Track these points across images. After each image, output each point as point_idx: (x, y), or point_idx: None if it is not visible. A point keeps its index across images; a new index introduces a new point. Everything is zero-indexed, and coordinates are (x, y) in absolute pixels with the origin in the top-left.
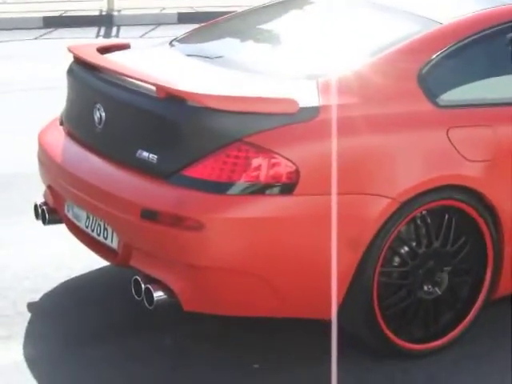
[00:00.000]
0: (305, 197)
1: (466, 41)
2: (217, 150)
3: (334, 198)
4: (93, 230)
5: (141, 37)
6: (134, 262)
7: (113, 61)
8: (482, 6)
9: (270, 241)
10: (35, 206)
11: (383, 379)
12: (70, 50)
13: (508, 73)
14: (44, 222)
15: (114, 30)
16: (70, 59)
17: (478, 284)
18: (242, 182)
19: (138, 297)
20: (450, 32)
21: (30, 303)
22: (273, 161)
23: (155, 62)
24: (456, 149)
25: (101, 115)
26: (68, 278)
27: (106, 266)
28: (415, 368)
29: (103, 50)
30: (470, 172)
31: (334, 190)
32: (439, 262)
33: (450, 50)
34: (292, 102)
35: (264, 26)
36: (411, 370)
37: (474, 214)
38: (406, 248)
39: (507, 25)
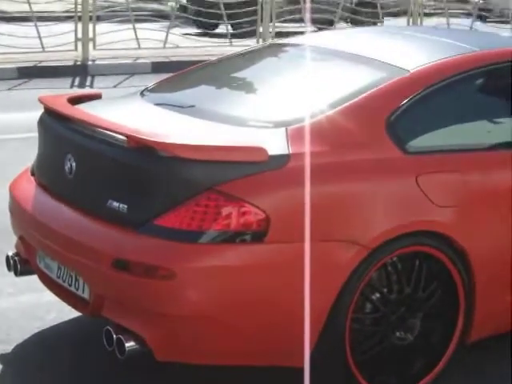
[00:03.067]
0: (276, 244)
1: (432, 88)
2: (187, 199)
3: (306, 245)
4: (64, 281)
5: (115, 86)
6: (106, 311)
7: (83, 111)
8: (447, 53)
9: (241, 289)
10: (7, 258)
11: None
12: (40, 101)
13: (474, 119)
14: (16, 273)
15: (89, 79)
16: (41, 110)
17: (450, 329)
18: (212, 231)
19: (110, 347)
20: (417, 79)
21: (1, 354)
22: (243, 209)
23: (126, 112)
24: (425, 195)
25: (71, 165)
26: (40, 329)
27: (79, 316)
28: None
29: (74, 101)
30: (439, 217)
31: (306, 237)
32: (411, 308)
33: (417, 97)
34: (261, 150)
35: (234, 75)
36: None
37: (444, 258)
38: (378, 294)
39: (472, 72)
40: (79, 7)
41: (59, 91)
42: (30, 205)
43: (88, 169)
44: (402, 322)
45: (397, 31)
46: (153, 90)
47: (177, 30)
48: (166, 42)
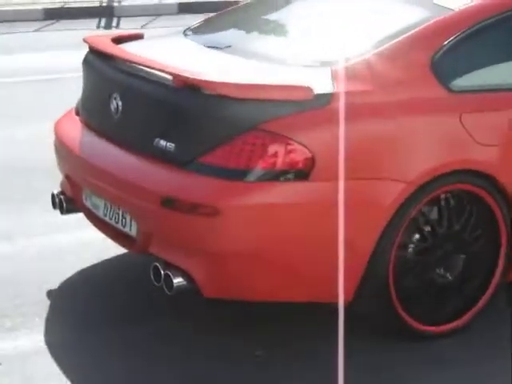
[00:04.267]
0: (320, 183)
1: (476, 27)
2: (233, 138)
3: (349, 183)
4: (111, 219)
5: (142, 27)
6: (153, 248)
7: (129, 51)
8: None
9: (286, 226)
10: (52, 196)
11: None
12: (85, 41)
13: None
14: (62, 212)
15: (115, 21)
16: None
17: (490, 270)
18: (258, 169)
19: (158, 283)
20: (461, 18)
21: (45, 290)
22: (289, 147)
23: (170, 52)
24: (469, 133)
25: (117, 105)
26: (79, 268)
27: (118, 256)
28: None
29: (118, 41)
30: (482, 156)
31: (342, 175)
32: (453, 245)
33: (461, 36)
34: (307, 89)
35: (275, 16)
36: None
37: (487, 197)
38: (421, 232)
39: None
40: None
41: (86, 33)
42: (76, 144)
43: (134, 108)
44: (444, 259)
45: None
46: (195, 30)
47: None
48: None
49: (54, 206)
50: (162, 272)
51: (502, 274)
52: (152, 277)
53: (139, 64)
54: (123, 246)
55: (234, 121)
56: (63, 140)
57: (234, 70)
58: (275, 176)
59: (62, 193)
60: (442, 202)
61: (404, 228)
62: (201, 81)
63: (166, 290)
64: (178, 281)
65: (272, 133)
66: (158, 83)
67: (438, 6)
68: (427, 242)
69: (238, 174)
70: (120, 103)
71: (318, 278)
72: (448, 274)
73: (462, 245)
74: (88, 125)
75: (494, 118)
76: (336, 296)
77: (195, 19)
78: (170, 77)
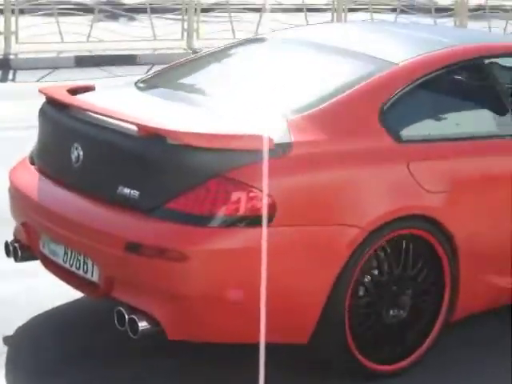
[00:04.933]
0: (281, 228)
1: (420, 80)
2: (198, 185)
3: (309, 228)
4: (71, 265)
5: (37, 80)
6: (117, 293)
7: (89, 101)
8: (430, 48)
9: (249, 270)
10: (6, 244)
11: None
12: (41, 92)
13: (461, 110)
14: (16, 259)
15: (11, 73)
16: None
17: (437, 308)
18: (222, 215)
19: (121, 327)
20: (406, 72)
21: (4, 336)
22: (251, 194)
23: (128, 103)
24: (416, 181)
25: (79, 154)
26: (41, 311)
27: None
28: None
29: (73, 92)
30: (429, 202)
31: (302, 222)
32: (402, 286)
33: (406, 88)
34: (267, 138)
35: (226, 68)
36: None
37: (433, 241)
38: (374, 274)
39: (456, 65)
40: (1, 0)
41: None
42: (34, 192)
43: (96, 157)
44: (395, 299)
45: (375, 27)
46: (147, 82)
47: (101, 24)
48: (89, 35)
49: (8, 253)
50: (127, 316)
51: (447, 312)
52: (116, 321)
53: (101, 114)
54: (84, 291)
55: (198, 169)
56: (19, 188)
57: (192, 120)
58: (238, 221)
59: (16, 240)
60: (393, 246)
61: (358, 271)
62: (167, 131)
63: (130, 333)
64: (142, 324)
65: (234, 180)
66: (121, 133)
67: (382, 60)
68: (379, 284)
69: (202, 220)
70: (81, 152)
71: (275, 320)
72: (399, 314)
73: (410, 286)
74: (45, 173)
75: (439, 166)
76: (292, 337)
77: (93, 72)
78: (133, 127)
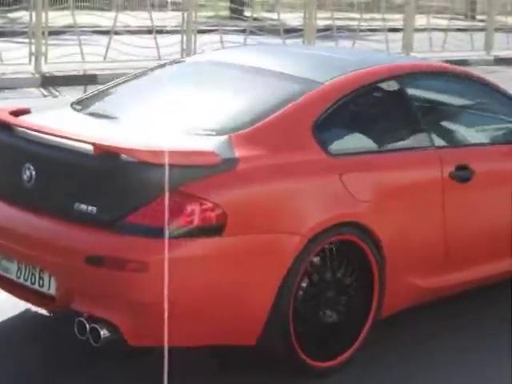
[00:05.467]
0: (232, 237)
1: (347, 97)
2: (154, 199)
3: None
4: (26, 280)
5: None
6: (76, 304)
7: (38, 123)
8: (348, 68)
9: (203, 277)
10: None
11: None
12: None
13: (383, 124)
14: None
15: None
16: None
17: (367, 306)
18: (178, 227)
19: (82, 336)
20: (334, 90)
21: None
22: (203, 207)
23: (72, 123)
24: (348, 191)
25: (31, 173)
26: None
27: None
28: None
29: (15, 114)
30: (360, 210)
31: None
32: (337, 289)
33: (333, 106)
34: (213, 154)
35: (160, 89)
36: None
37: (363, 246)
38: (314, 277)
39: (376, 84)
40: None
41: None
42: None
43: (50, 176)
44: (330, 301)
45: (285, 49)
46: (83, 103)
47: None
48: None
49: None
50: (88, 326)
51: (375, 312)
52: (76, 331)
53: (53, 135)
54: (39, 305)
55: (153, 184)
56: None
57: (141, 138)
58: (193, 232)
59: None
60: (328, 252)
61: (300, 275)
62: (123, 149)
63: (92, 342)
64: (104, 333)
65: (188, 194)
66: (75, 152)
67: (309, 79)
68: (316, 287)
69: (159, 232)
70: (34, 172)
71: (226, 323)
72: (333, 315)
73: (343, 288)
74: None
75: (367, 176)
76: (242, 339)
77: None
78: (87, 146)
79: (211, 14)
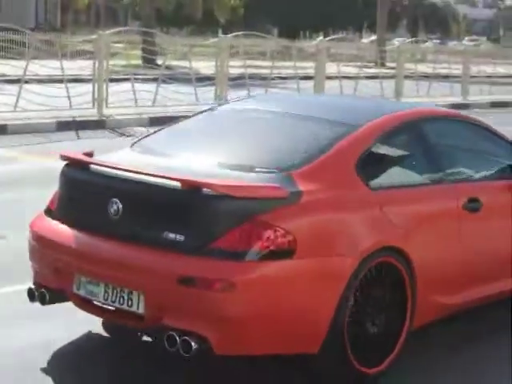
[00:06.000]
0: (301, 260)
1: (381, 138)
2: (236, 227)
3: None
4: (114, 302)
5: None
6: (167, 321)
7: (122, 162)
8: (377, 114)
9: (278, 294)
10: (30, 290)
11: None
12: (63, 156)
13: (417, 161)
14: (43, 303)
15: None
16: None
17: (402, 319)
18: (257, 251)
19: (172, 348)
20: (370, 132)
21: None
22: (277, 233)
23: (148, 162)
24: (389, 220)
25: (118, 207)
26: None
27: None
28: None
29: (89, 155)
30: (398, 236)
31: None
32: (380, 302)
33: (372, 146)
34: (282, 188)
35: (223, 131)
36: None
37: (399, 267)
38: (363, 292)
39: (407, 126)
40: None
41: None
42: (69, 241)
43: (137, 209)
44: (376, 313)
45: (311, 97)
46: (142, 145)
47: None
48: None
49: (33, 299)
50: (179, 339)
51: (409, 325)
52: (166, 344)
53: (138, 173)
54: (127, 323)
55: (235, 214)
56: (48, 238)
57: (218, 175)
58: (269, 255)
59: (40, 286)
60: (373, 273)
61: (353, 293)
62: (209, 184)
63: (182, 353)
64: (194, 344)
65: (264, 222)
66: (162, 187)
67: (347, 123)
68: (364, 303)
69: (242, 255)
70: (120, 206)
71: (296, 334)
72: (379, 325)
73: (384, 303)
74: (74, 224)
75: (402, 207)
76: (308, 348)
77: None
78: (175, 182)
79: (123, 62)
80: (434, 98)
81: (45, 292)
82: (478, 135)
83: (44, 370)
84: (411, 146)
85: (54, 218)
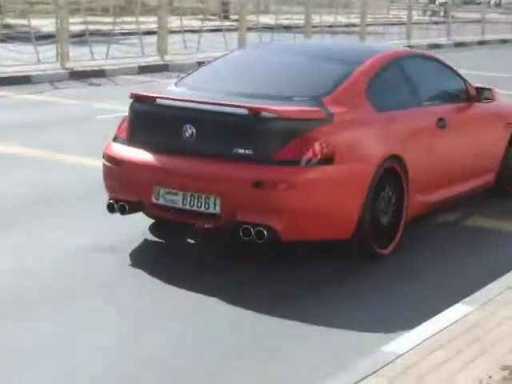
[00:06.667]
0: (338, 165)
1: (379, 72)
2: (290, 142)
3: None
4: (191, 206)
5: None
6: (241, 217)
7: (186, 94)
8: (371, 53)
9: (324, 191)
10: (110, 204)
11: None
12: (133, 94)
13: (405, 90)
14: (123, 213)
15: None
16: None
17: (400, 211)
18: (308, 159)
19: (247, 237)
20: (371, 66)
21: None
22: (321, 145)
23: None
24: (393, 133)
25: (192, 132)
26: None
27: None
28: None
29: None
30: (399, 146)
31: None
32: (388, 199)
33: (376, 75)
34: (322, 111)
35: (255, 70)
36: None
37: (399, 171)
38: (379, 192)
39: (396, 62)
40: None
41: None
42: (150, 161)
43: (209, 132)
44: (386, 207)
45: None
46: (187, 82)
47: None
48: None
49: (112, 211)
50: (253, 230)
51: (405, 217)
52: (242, 234)
53: (205, 103)
54: (202, 223)
55: (291, 131)
56: (128, 160)
57: (269, 103)
58: (317, 162)
59: (117, 200)
60: (384, 177)
61: (373, 190)
62: (269, 109)
63: (256, 240)
64: (265, 233)
65: (312, 137)
66: (229, 113)
67: (352, 61)
68: (379, 199)
69: (297, 162)
70: (194, 130)
71: (337, 223)
72: (385, 218)
73: (390, 200)
74: (150, 147)
75: (400, 124)
76: (343, 235)
77: None
78: (240, 109)
79: None
80: None
81: (124, 204)
82: (438, 68)
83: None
84: (398, 78)
85: (125, 144)
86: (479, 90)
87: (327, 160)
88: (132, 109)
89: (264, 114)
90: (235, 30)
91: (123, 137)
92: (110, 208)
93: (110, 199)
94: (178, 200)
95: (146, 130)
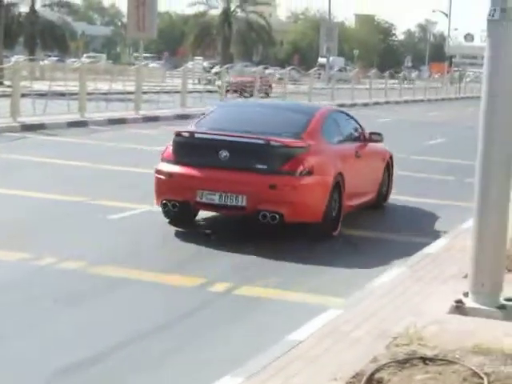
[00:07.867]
0: (316, 176)
1: (327, 119)
2: (290, 160)
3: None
4: (226, 202)
5: None
6: (260, 207)
7: (213, 131)
8: (314, 109)
9: (309, 191)
10: (164, 203)
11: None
12: (177, 133)
13: (338, 131)
14: (174, 208)
15: None
16: None
17: (340, 209)
18: (300, 171)
19: (264, 220)
20: (320, 116)
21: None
22: (306, 163)
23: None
24: (340, 158)
25: (226, 154)
26: None
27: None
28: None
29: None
30: (341, 168)
31: (318, 173)
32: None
33: (325, 122)
34: (306, 142)
35: (248, 113)
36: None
37: (341, 183)
38: (334, 192)
39: (332, 114)
40: None
41: None
42: (195, 173)
43: (238, 155)
44: (335, 203)
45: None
46: (203, 123)
47: None
48: None
49: (165, 207)
50: (268, 215)
51: (342, 213)
52: (260, 218)
53: (235, 136)
54: (234, 214)
55: (288, 154)
56: (177, 173)
57: (268, 138)
58: (304, 173)
59: (170, 200)
60: (335, 186)
61: (332, 191)
62: (279, 140)
63: (270, 222)
64: (277, 216)
65: (301, 158)
66: (250, 142)
67: (308, 112)
68: (333, 199)
69: (293, 173)
70: (227, 154)
71: (315, 210)
72: (334, 212)
73: (337, 198)
74: (193, 165)
75: (340, 152)
76: (318, 218)
77: None
78: (259, 140)
79: None
80: (52, 116)
81: (175, 203)
82: (349, 119)
83: None
84: (334, 124)
85: (171, 163)
86: (371, 134)
87: (309, 172)
88: (175, 141)
89: (273, 143)
90: (9, 95)
91: (169, 158)
92: (164, 206)
93: (162, 200)
94: (215, 198)
95: (189, 154)
